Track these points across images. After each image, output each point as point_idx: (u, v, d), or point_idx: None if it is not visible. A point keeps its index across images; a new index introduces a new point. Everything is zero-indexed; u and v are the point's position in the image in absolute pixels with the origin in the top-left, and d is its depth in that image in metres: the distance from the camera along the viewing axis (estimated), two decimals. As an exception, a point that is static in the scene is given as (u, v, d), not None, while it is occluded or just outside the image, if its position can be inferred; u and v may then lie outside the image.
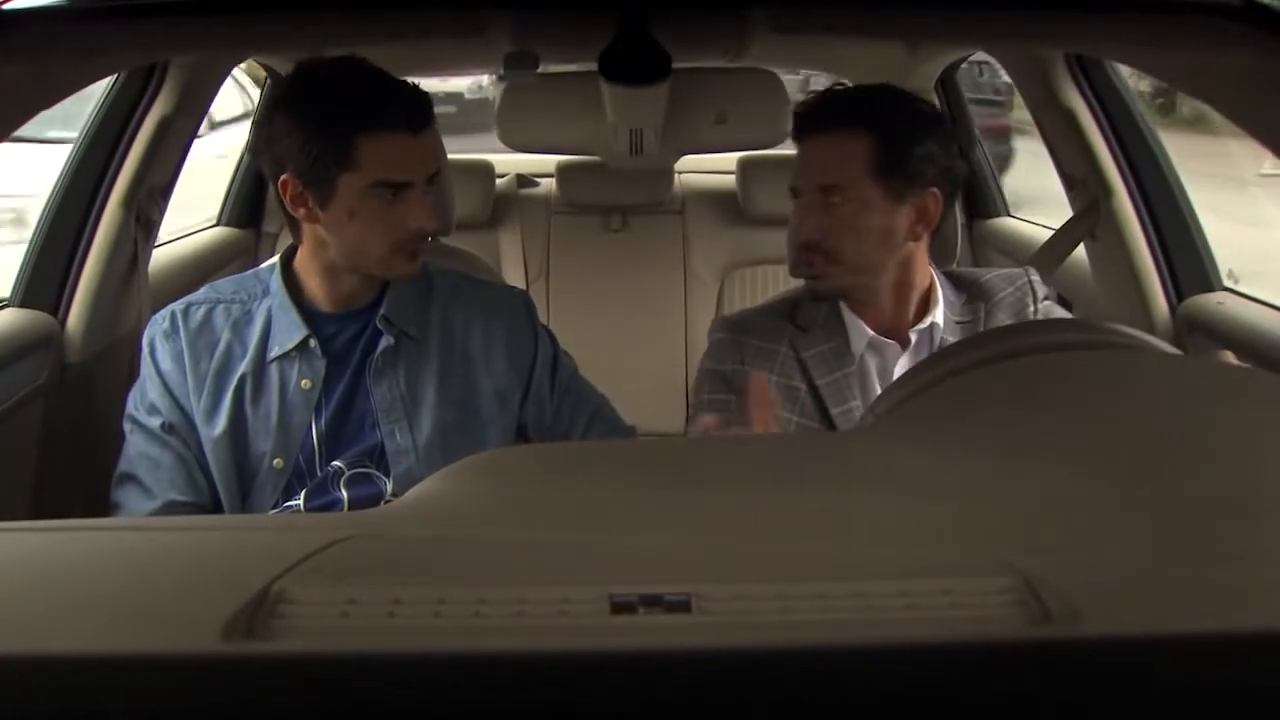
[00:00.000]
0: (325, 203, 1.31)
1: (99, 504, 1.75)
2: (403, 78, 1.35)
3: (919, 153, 1.35)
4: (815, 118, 1.39)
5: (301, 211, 1.33)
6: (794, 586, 0.56)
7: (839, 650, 0.52)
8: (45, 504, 1.67)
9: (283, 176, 1.32)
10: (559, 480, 0.73)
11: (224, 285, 1.45)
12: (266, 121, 1.35)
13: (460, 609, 0.55)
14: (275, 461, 1.35)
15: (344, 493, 1.36)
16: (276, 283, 1.39)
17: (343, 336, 1.39)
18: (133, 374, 1.90)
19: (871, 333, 1.39)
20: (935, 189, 1.37)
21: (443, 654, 0.52)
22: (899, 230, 1.37)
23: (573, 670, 0.51)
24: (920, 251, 1.40)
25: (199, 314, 1.39)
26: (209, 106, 2.09)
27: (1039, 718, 0.51)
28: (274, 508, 1.36)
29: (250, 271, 1.51)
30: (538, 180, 2.81)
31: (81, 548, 0.68)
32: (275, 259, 1.46)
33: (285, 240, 2.73)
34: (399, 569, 0.61)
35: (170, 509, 1.34)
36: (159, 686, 0.51)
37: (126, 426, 1.40)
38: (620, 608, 0.55)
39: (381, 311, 1.39)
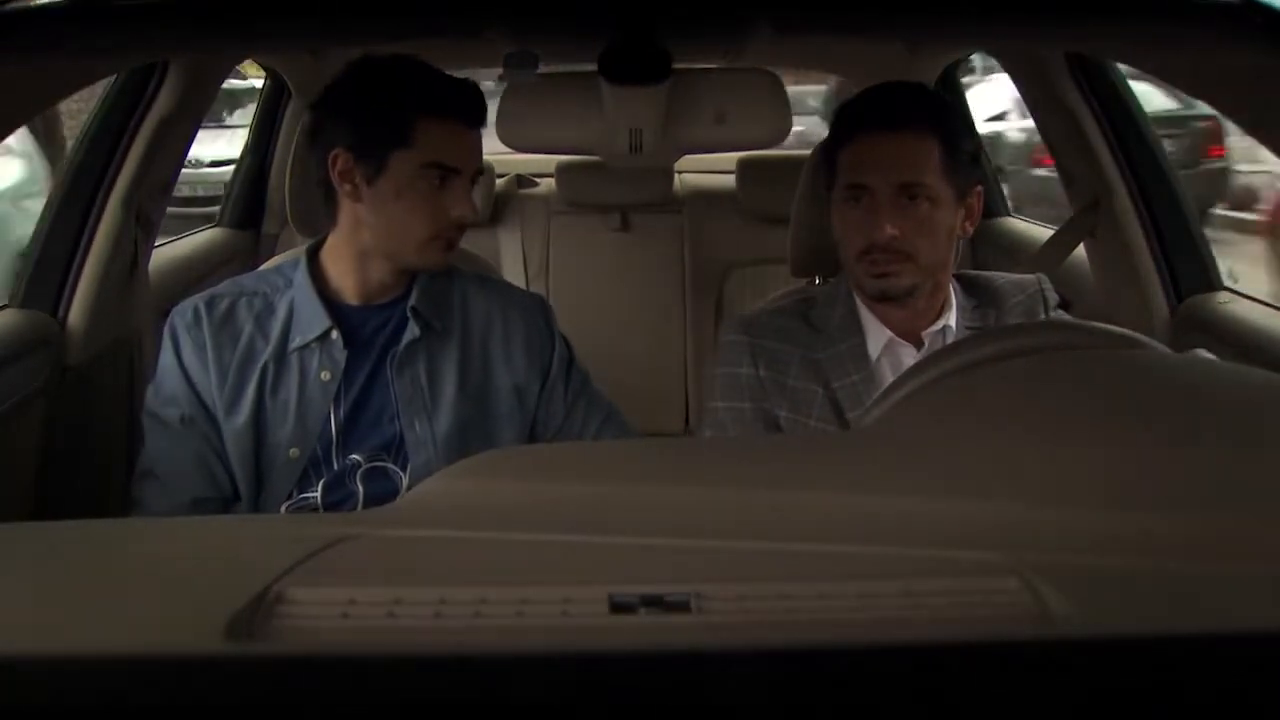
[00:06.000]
0: (373, 178, 1.34)
1: (99, 504, 1.76)
2: None
3: (970, 151, 1.37)
4: (886, 115, 1.36)
5: (347, 187, 1.35)
6: (794, 586, 0.56)
7: (839, 650, 0.52)
8: (45, 504, 1.67)
9: (334, 151, 1.35)
10: (559, 480, 0.73)
11: (247, 280, 1.46)
12: (322, 103, 1.39)
13: (460, 609, 0.55)
14: (291, 451, 1.36)
15: (360, 487, 1.36)
16: (301, 274, 1.40)
17: (365, 329, 1.40)
18: (133, 374, 1.91)
19: (890, 334, 1.38)
20: (980, 188, 1.39)
21: (443, 654, 0.52)
22: (955, 230, 1.37)
23: (573, 670, 0.51)
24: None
25: (223, 306, 1.40)
26: (209, 106, 2.09)
27: (1040, 718, 0.51)
28: (289, 499, 1.36)
29: (273, 267, 1.52)
30: (537, 180, 2.81)
31: (81, 548, 0.68)
32: (300, 250, 1.47)
33: (286, 241, 2.75)
34: (399, 569, 0.61)
35: (191, 506, 1.35)
36: (159, 686, 0.51)
37: (145, 422, 1.40)
38: (620, 608, 0.55)
39: (411, 303, 1.40)
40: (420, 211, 1.34)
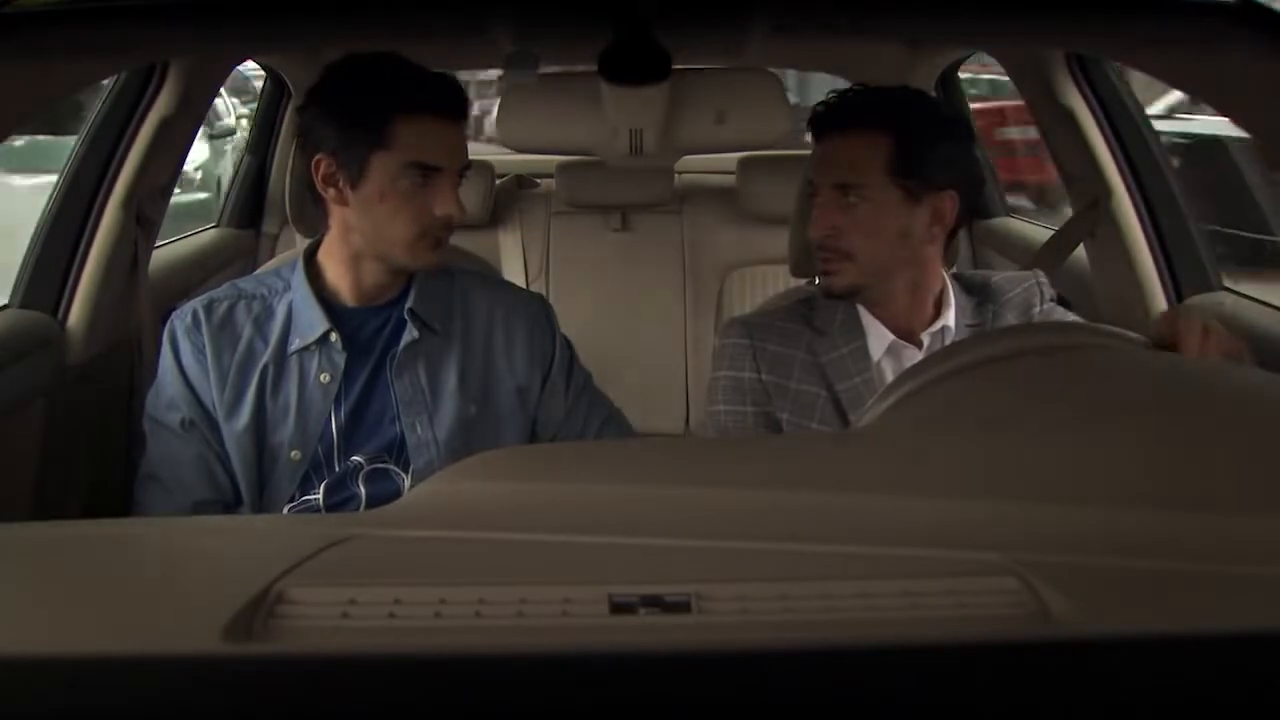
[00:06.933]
0: (356, 182, 1.33)
1: (99, 504, 1.75)
2: None
3: (937, 155, 1.36)
4: (835, 117, 1.39)
5: (331, 192, 1.35)
6: (794, 586, 0.56)
7: (838, 651, 0.52)
8: (45, 504, 1.67)
9: (317, 156, 1.34)
10: (559, 480, 0.73)
11: (245, 282, 1.46)
12: (306, 106, 1.38)
13: (460, 609, 0.55)
14: (293, 453, 1.36)
15: (362, 488, 1.36)
16: (299, 277, 1.40)
17: (364, 330, 1.40)
18: (133, 375, 1.91)
19: (892, 336, 1.38)
20: (952, 191, 1.37)
21: (443, 654, 0.52)
22: (915, 231, 1.36)
23: (573, 670, 0.51)
24: (935, 253, 1.40)
25: (221, 309, 1.40)
26: (209, 106, 2.09)
27: (1039, 717, 0.51)
28: (291, 500, 1.36)
29: (271, 269, 1.51)
30: (538, 181, 2.81)
31: (82, 548, 0.68)
32: (297, 251, 1.46)
33: (286, 241, 2.75)
34: (399, 569, 0.61)
35: (193, 510, 1.35)
36: (159, 686, 0.51)
37: (146, 426, 1.40)
38: (620, 608, 0.55)
39: (409, 305, 1.40)
40: (405, 212, 1.33)
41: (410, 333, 1.39)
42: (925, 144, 1.35)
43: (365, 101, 1.32)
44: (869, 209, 1.34)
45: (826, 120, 1.39)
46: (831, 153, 1.38)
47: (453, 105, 1.34)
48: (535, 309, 1.50)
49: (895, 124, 1.35)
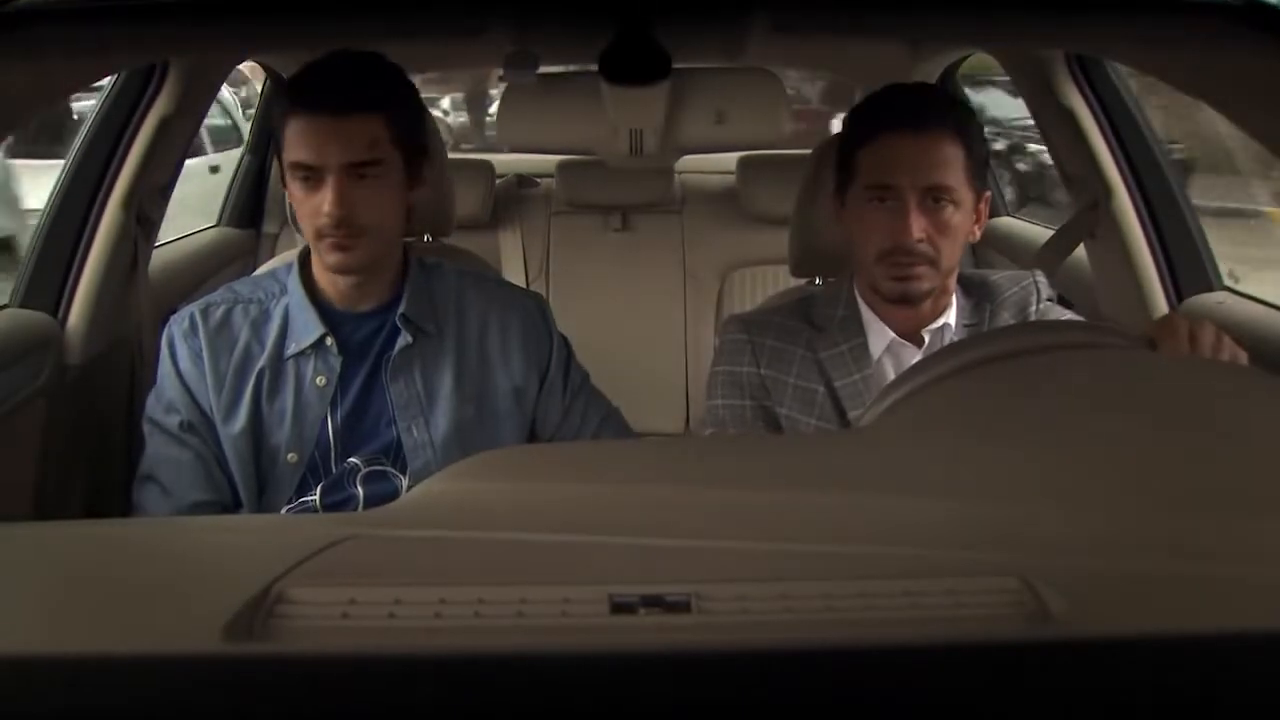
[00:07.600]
0: (286, 182, 1.36)
1: (99, 504, 1.76)
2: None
3: (984, 155, 1.37)
4: (916, 116, 1.33)
5: (288, 191, 1.37)
6: (794, 586, 0.56)
7: (839, 651, 0.52)
8: (45, 504, 1.67)
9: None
10: (559, 480, 0.73)
11: (242, 286, 1.46)
12: None
13: (460, 609, 0.55)
14: (290, 456, 1.36)
15: (359, 490, 1.37)
16: (294, 281, 1.40)
17: (359, 334, 1.40)
18: (133, 375, 1.91)
19: (893, 335, 1.38)
20: (987, 191, 1.39)
21: (443, 654, 0.52)
22: (969, 232, 1.37)
23: (573, 670, 0.51)
24: None
25: (218, 314, 1.40)
26: (209, 106, 2.09)
27: (1039, 717, 0.51)
28: (289, 503, 1.37)
29: (268, 272, 1.52)
30: (538, 180, 2.81)
31: (82, 548, 0.68)
32: (293, 254, 1.47)
33: (285, 240, 2.75)
34: (399, 569, 0.61)
35: (191, 509, 1.35)
36: (159, 686, 0.51)
37: (146, 428, 1.41)
38: (620, 608, 0.55)
39: (401, 310, 1.40)
40: (301, 213, 1.33)
41: (404, 338, 1.39)
42: (979, 145, 1.35)
43: (278, 101, 1.34)
44: (952, 211, 1.32)
45: (902, 119, 1.33)
46: (914, 154, 1.31)
47: (341, 100, 1.29)
48: (531, 308, 1.50)
49: (963, 126, 1.33)
